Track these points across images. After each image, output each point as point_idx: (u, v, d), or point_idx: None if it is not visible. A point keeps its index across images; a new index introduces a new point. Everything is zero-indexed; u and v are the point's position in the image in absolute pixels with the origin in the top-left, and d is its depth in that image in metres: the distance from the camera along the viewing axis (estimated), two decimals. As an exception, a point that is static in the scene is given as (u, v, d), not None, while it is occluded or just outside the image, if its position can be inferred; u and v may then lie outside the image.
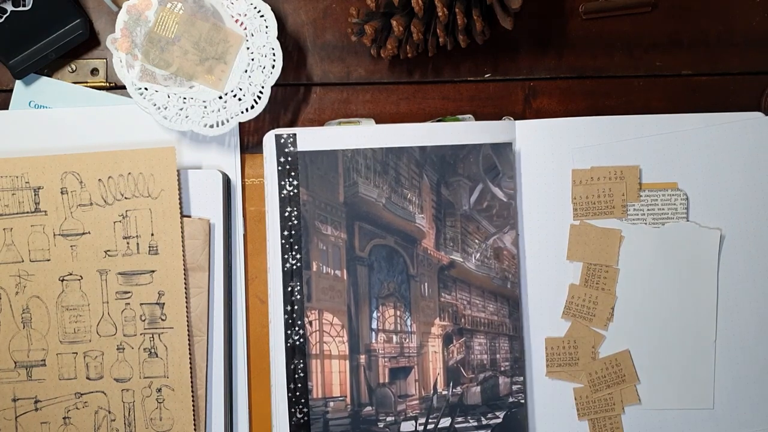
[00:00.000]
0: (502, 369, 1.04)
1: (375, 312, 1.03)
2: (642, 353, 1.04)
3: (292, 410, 1.02)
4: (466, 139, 1.02)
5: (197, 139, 1.06)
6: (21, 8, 1.05)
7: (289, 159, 1.02)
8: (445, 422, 1.03)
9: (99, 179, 1.03)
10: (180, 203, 1.03)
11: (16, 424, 1.03)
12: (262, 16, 1.02)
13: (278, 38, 1.02)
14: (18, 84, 1.07)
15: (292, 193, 1.02)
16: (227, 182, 1.06)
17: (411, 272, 1.03)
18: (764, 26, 1.10)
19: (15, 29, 1.05)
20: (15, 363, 1.03)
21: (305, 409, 1.02)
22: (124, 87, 1.04)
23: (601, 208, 1.04)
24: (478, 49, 1.06)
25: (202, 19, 1.01)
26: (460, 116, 1.07)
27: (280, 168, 1.02)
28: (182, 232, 1.03)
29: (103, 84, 1.08)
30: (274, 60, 1.02)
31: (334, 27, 1.09)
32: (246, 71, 1.02)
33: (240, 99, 1.02)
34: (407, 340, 1.03)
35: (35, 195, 1.03)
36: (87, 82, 1.08)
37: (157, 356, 1.04)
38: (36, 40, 1.05)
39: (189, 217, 1.04)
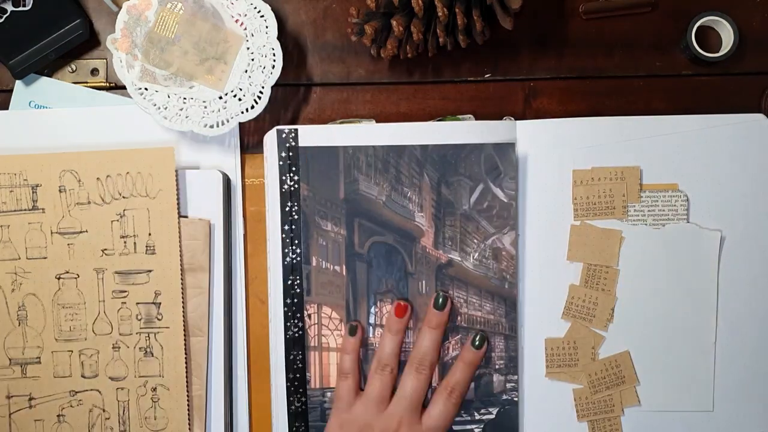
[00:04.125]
0: (497, 367, 1.03)
1: (373, 308, 1.02)
2: (642, 354, 1.04)
3: (291, 399, 1.01)
4: (467, 139, 1.02)
5: (197, 139, 1.06)
6: (21, 8, 1.05)
7: (291, 154, 1.01)
8: None
9: (97, 178, 1.03)
10: (178, 203, 1.03)
11: (9, 421, 1.02)
12: (262, 16, 1.02)
13: (278, 38, 1.02)
14: (18, 84, 1.07)
15: (292, 188, 1.01)
16: (227, 182, 1.05)
17: (409, 270, 1.02)
18: (764, 26, 1.10)
19: (15, 29, 1.05)
20: (10, 360, 1.02)
21: (303, 398, 1.01)
22: (124, 87, 1.04)
23: (601, 208, 1.04)
24: (478, 49, 1.06)
25: (202, 19, 1.01)
26: (460, 116, 1.06)
27: (281, 163, 1.01)
28: (179, 232, 1.03)
29: (103, 84, 1.08)
30: (274, 60, 1.02)
31: (334, 27, 1.09)
32: (246, 71, 1.02)
33: (240, 99, 1.02)
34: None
35: (33, 192, 1.02)
36: (87, 82, 1.08)
37: (152, 356, 1.03)
38: (36, 40, 1.05)
39: (186, 217, 1.04)
